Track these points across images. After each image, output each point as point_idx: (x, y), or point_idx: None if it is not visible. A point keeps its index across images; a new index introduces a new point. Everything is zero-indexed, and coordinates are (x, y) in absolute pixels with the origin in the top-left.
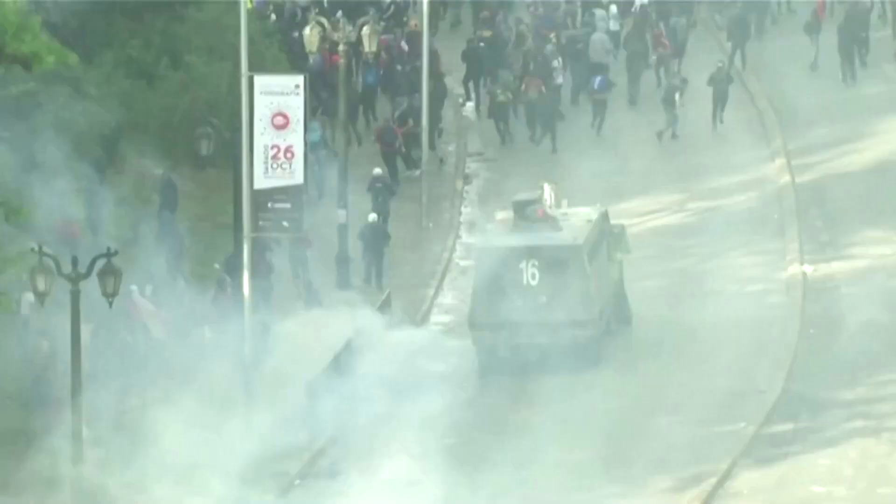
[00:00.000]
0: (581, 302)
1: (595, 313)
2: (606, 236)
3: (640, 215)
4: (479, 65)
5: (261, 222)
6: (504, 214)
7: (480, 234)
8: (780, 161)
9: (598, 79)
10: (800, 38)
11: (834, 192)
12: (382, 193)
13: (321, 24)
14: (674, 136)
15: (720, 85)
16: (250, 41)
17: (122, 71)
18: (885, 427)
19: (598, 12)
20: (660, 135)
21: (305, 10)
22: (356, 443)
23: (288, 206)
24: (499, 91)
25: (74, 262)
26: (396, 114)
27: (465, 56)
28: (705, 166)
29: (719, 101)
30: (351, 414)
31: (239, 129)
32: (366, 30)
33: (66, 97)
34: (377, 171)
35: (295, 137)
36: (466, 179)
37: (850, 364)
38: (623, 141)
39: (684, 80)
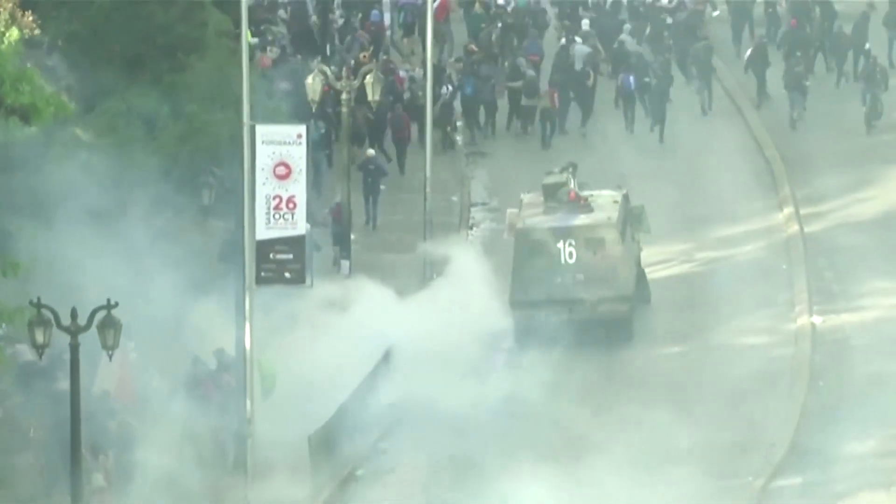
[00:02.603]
0: (616, 279)
1: (629, 290)
2: (629, 217)
3: (644, 266)
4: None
5: (263, 273)
6: (531, 198)
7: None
8: (788, 210)
9: (630, 77)
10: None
11: (844, 242)
12: (374, 175)
13: (323, 73)
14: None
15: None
16: (252, 90)
17: (123, 120)
18: None
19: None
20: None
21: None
22: None
23: (290, 256)
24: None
25: (74, 314)
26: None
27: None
28: (712, 215)
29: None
30: None
31: (241, 180)
32: (369, 78)
33: (67, 146)
34: (370, 151)
35: (297, 187)
36: (471, 230)
37: (860, 417)
38: (629, 188)
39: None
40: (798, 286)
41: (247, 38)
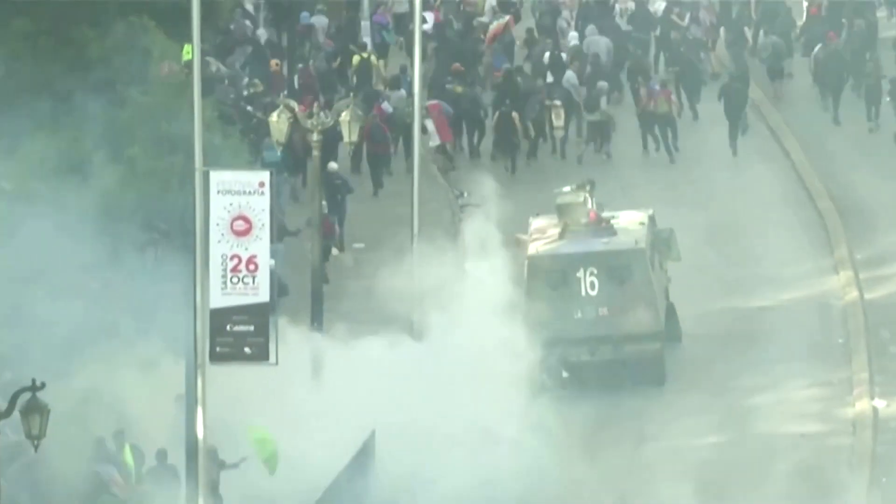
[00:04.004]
0: (646, 313)
1: (659, 326)
2: (657, 241)
3: (674, 340)
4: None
5: (218, 348)
6: (541, 221)
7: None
8: (845, 273)
9: (656, 86)
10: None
11: None
12: (341, 191)
13: (290, 109)
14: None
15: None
16: (205, 129)
17: (51, 164)
18: None
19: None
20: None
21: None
22: None
23: (251, 328)
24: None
25: None
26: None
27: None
28: (754, 279)
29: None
30: None
31: (192, 236)
32: (345, 115)
33: None
34: (332, 165)
35: (259, 246)
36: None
37: None
38: None
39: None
40: (857, 364)
41: (198, 64)
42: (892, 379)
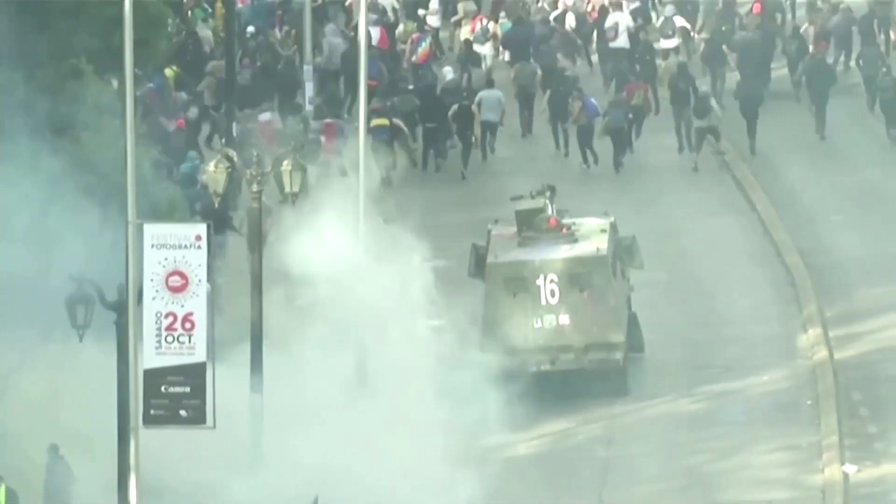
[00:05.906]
0: (608, 321)
1: (622, 335)
2: (619, 249)
3: (636, 401)
4: None
5: (152, 411)
6: (501, 228)
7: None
8: (814, 331)
9: (591, 100)
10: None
11: (884, 372)
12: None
13: (229, 159)
14: None
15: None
16: (140, 180)
17: None
18: None
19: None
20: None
21: None
22: None
23: (186, 389)
24: None
25: None
26: None
27: None
28: (718, 338)
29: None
30: None
31: (124, 293)
32: (286, 164)
33: None
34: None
35: (195, 303)
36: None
37: None
38: None
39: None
40: (826, 427)
41: (132, 113)
42: (863, 443)
